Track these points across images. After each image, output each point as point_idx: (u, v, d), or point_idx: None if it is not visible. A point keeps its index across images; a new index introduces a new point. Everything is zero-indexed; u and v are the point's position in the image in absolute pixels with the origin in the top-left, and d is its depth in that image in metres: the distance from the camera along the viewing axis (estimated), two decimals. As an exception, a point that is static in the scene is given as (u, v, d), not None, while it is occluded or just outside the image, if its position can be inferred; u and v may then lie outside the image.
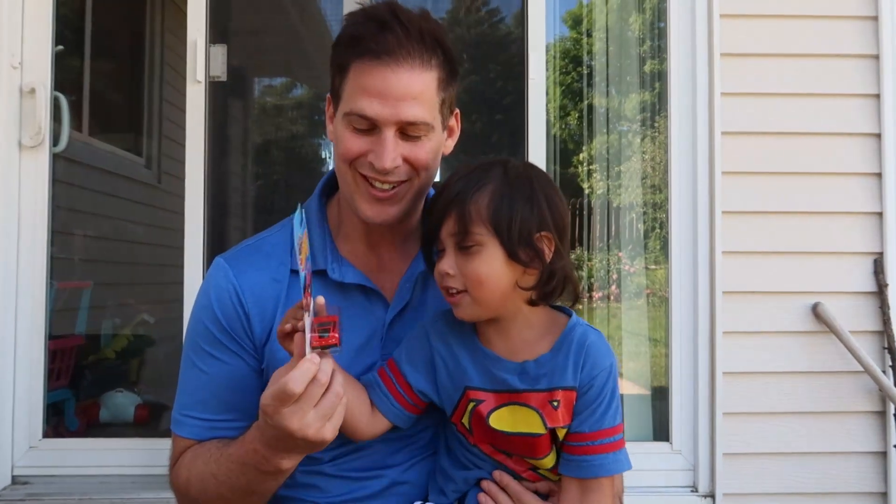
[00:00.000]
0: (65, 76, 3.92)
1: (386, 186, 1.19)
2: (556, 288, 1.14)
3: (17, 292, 2.34)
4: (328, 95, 1.26)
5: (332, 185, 1.34)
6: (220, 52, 2.45)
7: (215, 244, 2.70)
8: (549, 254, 1.12)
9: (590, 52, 3.16)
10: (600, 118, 2.92)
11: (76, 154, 3.73)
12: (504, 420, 1.14)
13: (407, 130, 1.17)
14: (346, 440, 1.19)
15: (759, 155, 2.39)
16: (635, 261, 2.87)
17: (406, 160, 1.18)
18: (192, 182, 2.39)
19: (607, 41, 2.87)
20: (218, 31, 2.51)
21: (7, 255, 2.31)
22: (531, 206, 1.10)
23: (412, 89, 1.15)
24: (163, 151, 4.67)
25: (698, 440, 2.33)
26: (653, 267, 2.84)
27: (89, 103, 4.01)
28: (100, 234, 4.11)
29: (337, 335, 1.00)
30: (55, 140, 2.46)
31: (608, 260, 3.00)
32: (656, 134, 2.84)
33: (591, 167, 3.36)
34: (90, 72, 4.00)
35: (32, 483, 2.33)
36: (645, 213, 2.86)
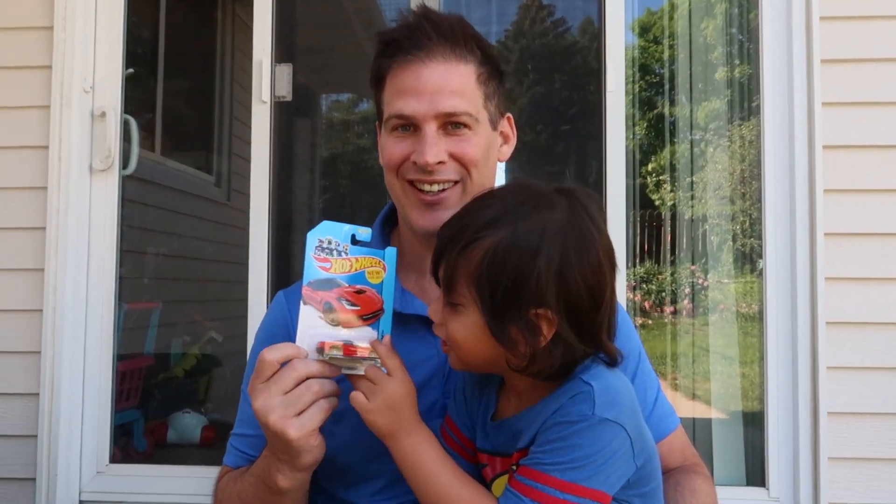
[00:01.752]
0: (137, 96, 4.00)
1: (434, 188, 1.12)
2: (561, 372, 0.92)
3: (86, 316, 2.35)
4: (377, 123, 1.21)
5: (392, 216, 1.28)
6: (285, 71, 2.41)
7: (280, 262, 2.68)
8: (545, 336, 0.90)
9: (660, 60, 3.08)
10: (672, 128, 2.82)
11: (148, 174, 3.78)
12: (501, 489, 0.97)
13: (449, 124, 1.10)
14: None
15: (866, 170, 2.16)
16: (710, 274, 2.74)
17: (453, 156, 1.11)
18: (257, 202, 2.36)
19: (690, 48, 2.74)
20: (283, 50, 2.47)
21: (77, 279, 2.31)
22: (531, 272, 0.88)
23: (448, 81, 1.09)
24: (232, 169, 4.72)
25: (799, 487, 2.11)
26: (726, 281, 2.71)
27: (161, 123, 4.07)
28: (171, 253, 4.16)
29: (340, 350, 0.98)
30: (125, 163, 2.47)
31: (680, 274, 2.86)
32: (729, 143, 2.73)
33: (661, 178, 3.26)
34: (162, 91, 4.07)
35: (99, 509, 2.32)
36: (720, 224, 2.72)
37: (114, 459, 2.44)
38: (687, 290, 2.89)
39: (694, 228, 2.79)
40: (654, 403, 1.22)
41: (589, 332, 0.91)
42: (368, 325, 1.02)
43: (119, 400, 2.89)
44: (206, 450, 3.17)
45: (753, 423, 2.40)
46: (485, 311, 0.90)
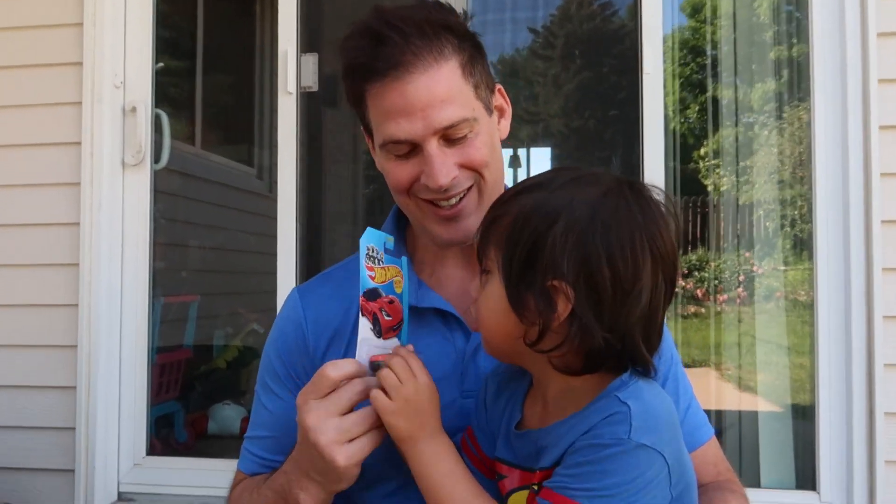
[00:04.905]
0: (177, 90, 4.03)
1: (452, 202, 1.06)
2: (584, 364, 0.85)
3: (121, 310, 2.37)
4: (362, 127, 1.14)
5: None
6: (310, 60, 2.37)
7: (310, 254, 2.68)
8: (561, 312, 0.83)
9: (711, 41, 2.97)
10: (724, 110, 2.73)
11: (189, 167, 3.82)
12: None
13: (449, 136, 1.02)
14: None
15: (929, 152, 2.00)
16: (764, 261, 2.66)
17: (462, 166, 1.04)
18: (284, 194, 2.35)
19: (734, 28, 2.66)
20: (309, 40, 2.44)
21: (111, 273, 2.34)
22: (546, 237, 0.83)
23: (436, 91, 1.00)
24: (274, 161, 4.73)
25: (853, 491, 1.98)
26: (782, 268, 2.61)
27: (202, 116, 4.10)
28: (215, 246, 4.20)
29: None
30: (157, 157, 2.48)
31: (733, 261, 2.81)
32: (785, 125, 2.62)
33: (712, 162, 3.21)
34: (202, 85, 4.10)
35: (137, 500, 2.35)
36: (774, 210, 2.63)
37: (154, 451, 2.47)
38: (740, 278, 2.83)
39: (746, 214, 2.70)
40: (685, 412, 1.14)
41: (611, 320, 0.83)
42: (396, 335, 1.00)
43: (159, 392, 2.94)
44: (245, 441, 3.19)
45: (804, 420, 2.27)
46: (504, 275, 0.86)
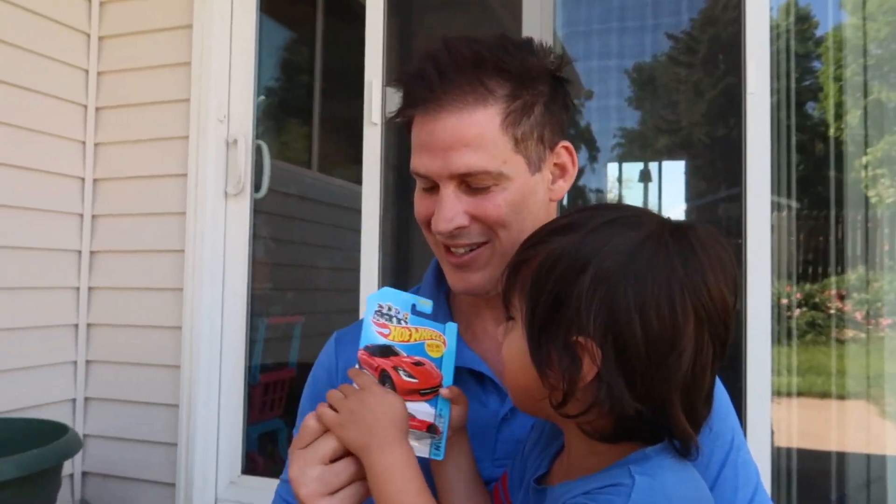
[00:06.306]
0: (295, 116, 4.21)
1: (460, 251, 1.00)
2: (616, 432, 0.74)
3: (221, 333, 2.48)
4: None
5: None
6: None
7: (396, 286, 2.68)
8: (587, 372, 0.73)
9: (875, 39, 2.87)
10: (891, 114, 2.62)
11: (307, 191, 3.97)
12: None
13: (469, 184, 0.96)
14: None
15: None
16: None
17: (474, 217, 0.97)
18: (368, 225, 2.36)
19: None
20: (398, 71, 2.44)
21: (212, 298, 2.45)
22: (572, 289, 0.73)
23: (462, 134, 0.94)
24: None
25: None
26: None
27: (318, 140, 4.26)
28: (334, 266, 4.33)
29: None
30: (258, 186, 2.58)
31: None
32: None
33: (877, 171, 2.98)
34: (319, 110, 4.25)
35: (233, 516, 2.44)
36: None
37: (253, 468, 2.55)
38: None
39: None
40: None
41: (645, 386, 0.72)
42: (426, 400, 0.95)
43: (262, 410, 3.05)
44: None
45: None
46: (526, 326, 0.78)
